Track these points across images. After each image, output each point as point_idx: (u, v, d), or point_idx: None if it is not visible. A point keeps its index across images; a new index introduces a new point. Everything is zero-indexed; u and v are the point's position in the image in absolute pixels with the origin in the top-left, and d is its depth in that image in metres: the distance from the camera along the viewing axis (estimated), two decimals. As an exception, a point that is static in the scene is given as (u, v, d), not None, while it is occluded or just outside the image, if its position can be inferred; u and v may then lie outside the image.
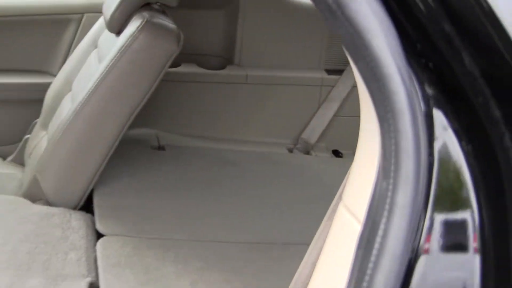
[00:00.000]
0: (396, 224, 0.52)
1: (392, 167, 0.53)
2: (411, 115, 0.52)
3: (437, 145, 0.55)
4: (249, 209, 1.75)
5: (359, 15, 0.53)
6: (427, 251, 0.55)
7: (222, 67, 2.32)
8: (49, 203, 1.71)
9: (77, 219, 1.63)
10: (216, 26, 2.34)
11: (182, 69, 2.26)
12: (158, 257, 1.48)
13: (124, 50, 1.64)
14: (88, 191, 1.74)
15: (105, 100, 1.68)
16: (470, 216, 0.55)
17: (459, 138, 0.56)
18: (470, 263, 0.55)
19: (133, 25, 1.67)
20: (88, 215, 1.68)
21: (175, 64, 2.20)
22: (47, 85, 2.14)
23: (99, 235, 1.58)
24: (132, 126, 2.14)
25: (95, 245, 1.53)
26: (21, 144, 2.21)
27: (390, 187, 0.53)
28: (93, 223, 1.63)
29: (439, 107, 0.56)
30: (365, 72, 0.55)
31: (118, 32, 1.76)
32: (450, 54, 0.55)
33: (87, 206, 1.74)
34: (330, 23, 0.56)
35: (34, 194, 1.75)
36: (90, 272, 1.42)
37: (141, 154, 2.06)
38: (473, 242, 0.55)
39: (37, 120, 2.14)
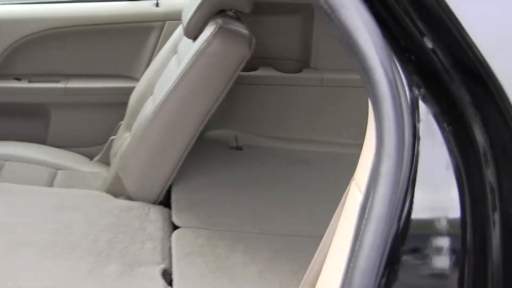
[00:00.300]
0: (380, 191, 0.61)
1: (379, 145, 0.63)
2: (392, 100, 0.62)
3: (421, 127, 0.64)
4: (318, 205, 1.78)
5: (348, 18, 0.64)
6: (411, 216, 0.62)
7: (299, 71, 2.38)
8: (130, 198, 1.82)
9: (155, 212, 1.72)
10: (292, 31, 2.40)
11: (260, 72, 2.33)
12: (228, 248, 1.55)
13: (199, 54, 1.73)
14: (167, 187, 1.83)
15: (182, 101, 1.77)
16: (450, 186, 0.63)
17: (440, 120, 0.64)
18: (452, 226, 0.62)
19: (207, 31, 1.76)
20: (166, 209, 1.78)
21: (253, 68, 2.28)
22: (131, 89, 2.26)
23: (174, 227, 1.67)
24: (212, 127, 2.24)
25: (170, 236, 1.62)
26: (106, 144, 2.34)
27: (378, 160, 0.63)
28: (170, 216, 1.73)
29: (422, 94, 0.65)
30: (358, 65, 0.65)
31: (194, 38, 1.85)
32: (426, 49, 0.65)
33: (165, 201, 1.83)
34: (328, 24, 0.67)
35: (116, 190, 1.86)
36: (164, 260, 1.50)
37: (219, 154, 2.14)
38: (453, 208, 0.63)
39: (122, 122, 2.26)
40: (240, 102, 2.25)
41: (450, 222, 0.62)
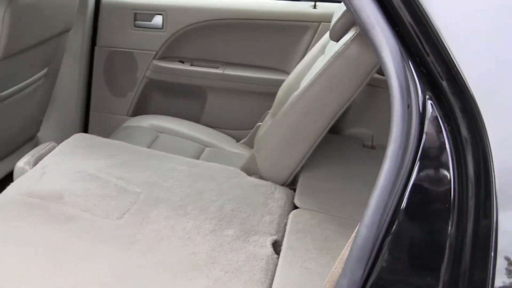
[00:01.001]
0: (385, 168, 0.85)
1: (390, 133, 0.86)
2: (401, 100, 0.86)
3: (427, 123, 0.86)
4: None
5: (376, 37, 0.92)
6: (413, 184, 0.84)
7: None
8: (261, 178, 2.00)
9: (280, 192, 1.89)
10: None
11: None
12: (337, 232, 1.68)
13: (337, 56, 1.86)
14: (295, 172, 1.99)
15: (317, 96, 1.91)
16: (444, 164, 0.85)
17: (442, 120, 0.86)
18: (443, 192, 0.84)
19: (348, 35, 1.89)
20: (290, 191, 1.94)
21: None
22: (281, 82, 2.43)
23: (294, 208, 1.83)
24: (352, 125, 2.37)
25: (288, 214, 1.78)
26: (253, 130, 2.55)
27: (387, 145, 0.86)
28: (292, 197, 1.89)
29: (431, 99, 0.87)
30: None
31: (337, 41, 2.00)
32: (430, 65, 0.88)
33: (291, 184, 2.00)
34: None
35: (250, 169, 2.06)
36: (278, 233, 1.67)
37: (352, 150, 2.26)
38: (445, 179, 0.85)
39: (269, 111, 2.46)
40: (379, 104, 2.35)
41: (443, 189, 0.78)
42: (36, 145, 2.91)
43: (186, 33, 2.75)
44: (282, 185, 1.98)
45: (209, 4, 2.72)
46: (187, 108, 2.86)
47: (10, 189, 1.74)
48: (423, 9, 0.86)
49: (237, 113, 2.77)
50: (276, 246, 1.62)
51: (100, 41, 2.91)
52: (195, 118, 2.81)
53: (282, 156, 1.99)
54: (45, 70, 2.59)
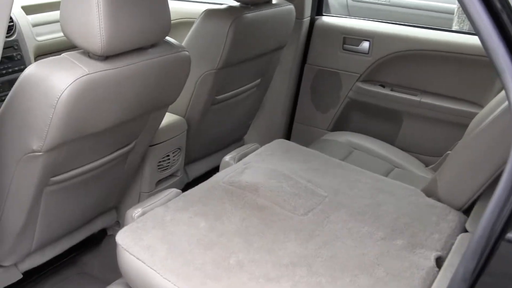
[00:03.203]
0: None
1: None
2: None
3: None
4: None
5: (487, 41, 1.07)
6: None
7: None
8: (439, 200, 2.12)
9: (454, 215, 2.00)
10: None
11: None
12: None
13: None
14: (472, 199, 2.07)
15: (501, 129, 1.94)
16: None
17: None
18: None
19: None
20: (464, 216, 2.03)
21: None
22: (474, 114, 2.49)
23: (465, 232, 1.93)
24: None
25: (457, 236, 1.89)
26: (442, 157, 2.64)
27: None
28: (465, 222, 1.98)
29: None
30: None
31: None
32: None
33: (466, 211, 2.09)
34: None
35: (430, 191, 2.18)
36: (443, 250, 1.79)
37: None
38: None
39: (459, 141, 2.53)
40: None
41: None
42: (241, 145, 3.27)
43: (389, 59, 2.92)
44: (458, 210, 2.08)
45: (413, 34, 2.88)
46: (383, 129, 3.03)
47: (215, 177, 2.07)
48: None
49: (428, 139, 2.88)
50: (439, 261, 1.75)
51: (310, 59, 3.18)
52: (389, 139, 2.97)
53: (462, 182, 2.08)
54: (258, 81, 2.90)
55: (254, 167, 2.12)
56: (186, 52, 1.96)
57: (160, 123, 2.18)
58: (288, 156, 2.27)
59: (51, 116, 1.57)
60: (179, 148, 2.57)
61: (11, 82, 2.60)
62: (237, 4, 2.54)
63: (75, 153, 1.80)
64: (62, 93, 1.55)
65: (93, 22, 1.56)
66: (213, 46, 2.42)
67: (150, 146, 2.38)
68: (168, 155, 2.50)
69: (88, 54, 1.66)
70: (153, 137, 2.28)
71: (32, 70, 1.60)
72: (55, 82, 1.56)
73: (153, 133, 2.20)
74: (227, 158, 2.25)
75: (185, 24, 3.49)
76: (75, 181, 1.93)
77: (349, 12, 6.96)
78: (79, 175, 1.92)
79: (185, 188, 2.80)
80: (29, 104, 1.60)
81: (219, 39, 2.40)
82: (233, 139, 3.16)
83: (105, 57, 1.67)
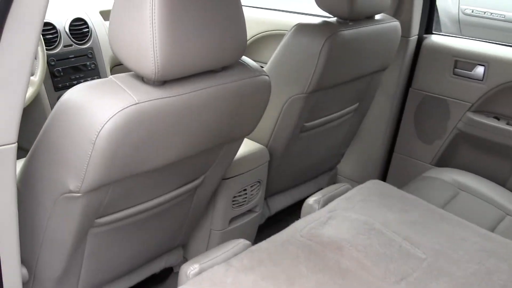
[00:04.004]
0: None
1: None
2: None
3: None
4: None
5: None
6: None
7: None
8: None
9: None
10: None
11: None
12: None
13: None
14: None
15: None
16: None
17: None
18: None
19: None
20: None
21: None
22: None
23: None
24: None
25: None
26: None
27: None
28: None
29: None
30: None
31: None
32: None
33: None
34: None
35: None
36: None
37: None
38: None
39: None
40: None
41: None
42: (334, 176, 2.94)
43: (506, 88, 2.54)
44: None
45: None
46: (495, 168, 2.65)
47: (294, 226, 1.74)
48: None
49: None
50: None
51: (415, 83, 2.84)
52: (501, 180, 2.59)
53: None
54: (355, 105, 2.59)
55: (340, 216, 1.78)
56: (266, 77, 1.65)
57: (234, 155, 1.89)
58: (383, 202, 1.91)
59: (89, 154, 1.30)
60: (259, 181, 2.27)
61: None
62: (333, 19, 2.22)
63: (124, 193, 1.53)
64: (103, 126, 1.27)
65: (145, 40, 1.28)
66: (303, 67, 2.13)
67: (224, 179, 2.08)
68: (245, 189, 2.20)
69: (142, 77, 1.38)
70: (227, 169, 1.98)
71: (70, 95, 1.34)
72: (95, 113, 1.28)
73: (226, 166, 1.90)
74: (310, 201, 1.92)
75: (274, 36, 3.24)
76: (127, 221, 1.66)
77: (461, 28, 6.47)
78: (132, 216, 1.65)
79: (267, 223, 2.52)
80: (65, 137, 1.34)
81: (310, 59, 2.10)
82: (324, 169, 2.84)
83: (163, 82, 1.39)
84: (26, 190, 1.53)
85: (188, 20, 1.32)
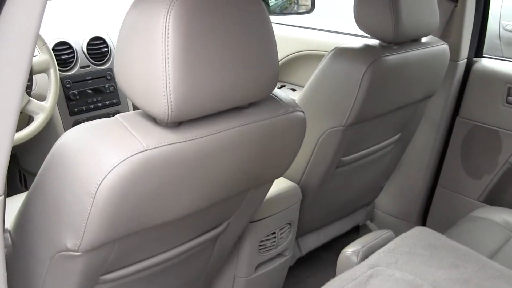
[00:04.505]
0: None
1: None
2: None
3: None
4: None
5: None
6: None
7: None
8: None
9: None
10: None
11: None
12: None
13: None
14: None
15: None
16: None
17: None
18: None
19: None
20: None
21: None
22: None
23: None
24: None
25: None
26: None
27: None
28: None
29: None
30: None
31: None
32: None
33: None
34: None
35: None
36: None
37: None
38: None
39: None
40: None
41: None
42: (371, 211, 2.72)
43: None
44: None
45: None
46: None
47: (330, 285, 1.50)
48: None
49: None
50: None
51: (463, 112, 2.61)
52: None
53: None
54: (397, 136, 2.37)
55: (383, 274, 1.53)
56: (301, 113, 1.42)
57: (263, 199, 1.66)
58: (431, 255, 1.67)
59: (89, 208, 1.08)
60: (290, 223, 2.04)
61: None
62: (375, 42, 1.99)
63: (134, 247, 1.31)
64: (105, 177, 1.05)
65: (157, 77, 1.06)
66: (341, 96, 1.92)
67: (251, 222, 1.86)
68: (273, 232, 1.97)
69: (154, 118, 1.16)
70: (254, 213, 1.76)
71: (67, 138, 1.12)
72: (95, 161, 1.07)
73: (253, 211, 1.68)
74: (348, 252, 1.67)
75: (307, 57, 3.00)
76: (138, 276, 1.44)
77: (501, 46, 6.20)
78: (144, 269, 1.43)
79: (297, 263, 2.29)
80: (60, 188, 1.12)
81: (350, 88, 1.89)
82: (361, 204, 2.61)
83: (178, 123, 1.17)
84: (21, 243, 1.33)
85: (208, 52, 1.09)
